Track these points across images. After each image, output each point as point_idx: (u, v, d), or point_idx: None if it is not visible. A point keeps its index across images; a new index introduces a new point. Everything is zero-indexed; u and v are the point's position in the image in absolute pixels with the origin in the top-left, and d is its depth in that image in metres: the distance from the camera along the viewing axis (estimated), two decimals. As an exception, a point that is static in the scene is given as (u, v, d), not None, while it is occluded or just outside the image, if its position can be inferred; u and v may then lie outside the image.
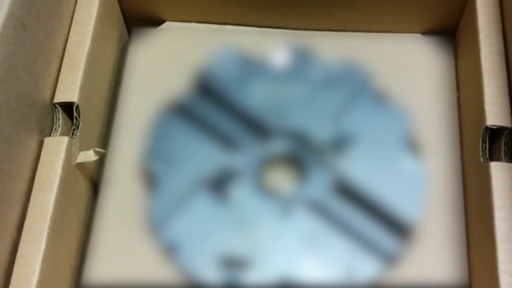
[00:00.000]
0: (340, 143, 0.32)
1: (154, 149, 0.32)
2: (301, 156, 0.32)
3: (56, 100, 0.29)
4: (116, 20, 0.35)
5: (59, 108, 0.29)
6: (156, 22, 0.36)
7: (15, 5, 0.25)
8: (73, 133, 0.29)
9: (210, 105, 0.33)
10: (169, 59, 0.35)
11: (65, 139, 0.28)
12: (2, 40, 0.24)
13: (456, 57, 0.35)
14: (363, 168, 0.32)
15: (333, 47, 0.35)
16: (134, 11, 0.36)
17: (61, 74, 0.30)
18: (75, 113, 0.29)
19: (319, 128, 0.33)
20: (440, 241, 0.31)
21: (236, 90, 0.34)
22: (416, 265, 0.30)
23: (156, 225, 0.31)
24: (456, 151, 0.33)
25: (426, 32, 0.36)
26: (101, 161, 0.32)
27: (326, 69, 0.34)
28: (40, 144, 0.28)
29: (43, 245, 0.26)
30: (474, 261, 0.30)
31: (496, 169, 0.28)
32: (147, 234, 0.31)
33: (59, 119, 0.29)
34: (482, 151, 0.29)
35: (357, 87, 0.34)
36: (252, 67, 0.34)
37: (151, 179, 0.32)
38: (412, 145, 0.32)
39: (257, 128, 0.33)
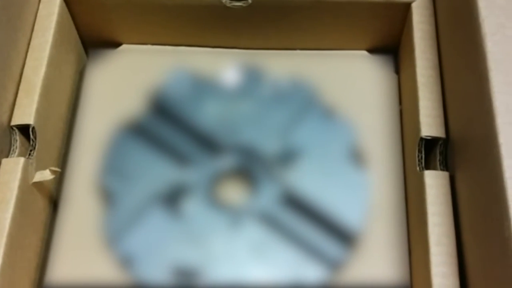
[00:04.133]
0: (288, 157, 0.34)
1: (110, 166, 0.34)
2: (251, 170, 0.34)
3: (13, 123, 0.31)
4: (74, 44, 0.36)
5: (16, 131, 0.31)
6: (113, 45, 0.38)
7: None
8: (29, 154, 0.31)
9: (164, 124, 0.35)
10: (125, 80, 0.37)
11: (21, 159, 0.30)
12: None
13: (398, 72, 0.37)
14: (310, 180, 0.33)
15: (282, 65, 0.37)
16: (91, 35, 0.37)
17: (18, 99, 0.31)
18: (31, 135, 0.31)
19: (268, 143, 0.34)
20: (383, 247, 0.32)
21: (188, 109, 0.35)
22: (360, 270, 0.32)
23: (112, 238, 0.32)
24: (399, 161, 0.35)
25: (371, 49, 0.38)
26: (60, 179, 0.34)
27: (274, 87, 0.36)
28: (-2, 165, 0.30)
29: (-1, 262, 0.27)
30: (414, 265, 0.31)
31: (430, 177, 0.30)
32: (104, 247, 0.32)
33: (16, 140, 0.31)
34: (418, 160, 0.31)
35: (304, 103, 0.35)
36: (204, 86, 0.36)
37: (107, 195, 0.33)
38: (356, 157, 0.34)
39: (208, 144, 0.34)
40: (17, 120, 0.31)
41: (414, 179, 0.32)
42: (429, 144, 0.31)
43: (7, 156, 0.31)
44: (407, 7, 0.34)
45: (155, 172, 0.34)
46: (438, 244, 0.28)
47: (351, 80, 0.37)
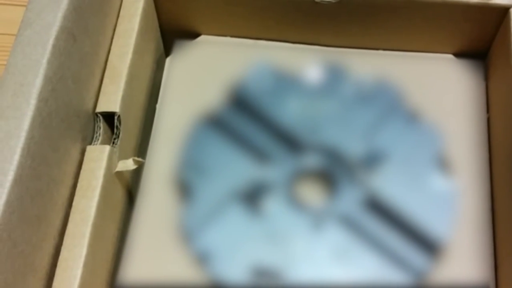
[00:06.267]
0: (372, 160, 0.33)
1: (189, 160, 0.33)
2: (332, 171, 0.33)
3: (98, 110, 0.30)
4: (155, 33, 0.36)
5: (101, 118, 0.30)
6: (192, 35, 0.37)
7: (67, 18, 0.26)
8: (113, 142, 0.30)
9: (244, 118, 0.34)
10: (204, 72, 0.36)
11: (107, 147, 0.29)
12: (54, 51, 0.25)
13: (487, 78, 0.35)
14: (394, 185, 0.32)
15: (366, 65, 0.36)
16: (171, 24, 0.36)
17: (103, 85, 0.31)
18: (116, 123, 0.30)
19: (351, 144, 0.33)
20: (468, 259, 0.31)
21: (269, 104, 0.34)
22: (444, 282, 0.31)
23: (189, 234, 0.32)
24: (485, 170, 0.33)
25: (457, 53, 0.36)
26: (137, 170, 0.33)
27: (358, 86, 0.35)
28: (82, 151, 0.29)
29: (84, 251, 0.27)
30: (502, 280, 0.30)
31: (528, 191, 0.29)
32: (181, 242, 0.31)
33: (100, 128, 0.30)
34: (513, 172, 0.30)
35: (389, 105, 0.34)
36: (286, 82, 0.35)
37: (185, 189, 0.33)
38: (442, 164, 0.33)
39: (290, 142, 0.33)
40: (102, 107, 0.30)
41: (508, 191, 0.30)
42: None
43: (90, 143, 0.30)
44: (504, 12, 0.33)
45: (234, 167, 0.33)
46: (537, 261, 0.27)
47: (436, 84, 0.35)
